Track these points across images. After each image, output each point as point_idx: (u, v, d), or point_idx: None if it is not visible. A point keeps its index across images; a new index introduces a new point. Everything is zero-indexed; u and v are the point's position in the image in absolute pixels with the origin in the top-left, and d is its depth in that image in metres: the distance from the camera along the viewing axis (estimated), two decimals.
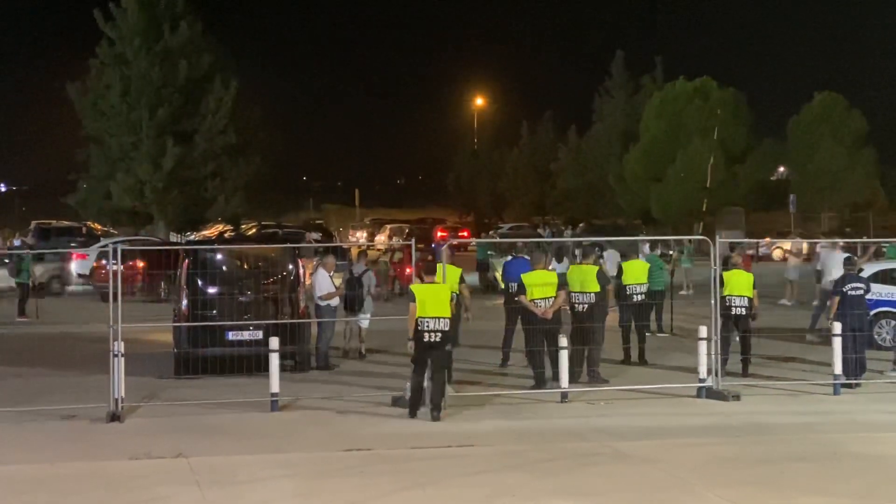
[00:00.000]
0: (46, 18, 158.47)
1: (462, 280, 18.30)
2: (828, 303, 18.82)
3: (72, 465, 12.44)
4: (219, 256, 19.59)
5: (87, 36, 46.49)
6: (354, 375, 18.55)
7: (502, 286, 20.73)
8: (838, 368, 16.64)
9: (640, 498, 11.10)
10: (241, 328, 18.13)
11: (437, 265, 16.06)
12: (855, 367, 17.16)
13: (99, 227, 53.39)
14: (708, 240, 17.25)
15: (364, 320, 20.63)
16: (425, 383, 15.05)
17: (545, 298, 16.77)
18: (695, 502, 10.96)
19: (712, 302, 16.73)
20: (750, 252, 27.83)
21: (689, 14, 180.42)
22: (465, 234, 61.03)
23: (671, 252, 26.99)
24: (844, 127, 60.82)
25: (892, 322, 20.39)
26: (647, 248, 24.86)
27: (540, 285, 16.85)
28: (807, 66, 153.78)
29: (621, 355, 19.75)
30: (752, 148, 59.88)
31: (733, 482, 11.57)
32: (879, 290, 20.43)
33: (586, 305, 17.72)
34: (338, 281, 20.19)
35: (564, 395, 16.00)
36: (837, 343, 16.71)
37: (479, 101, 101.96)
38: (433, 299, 14.97)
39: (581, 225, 61.79)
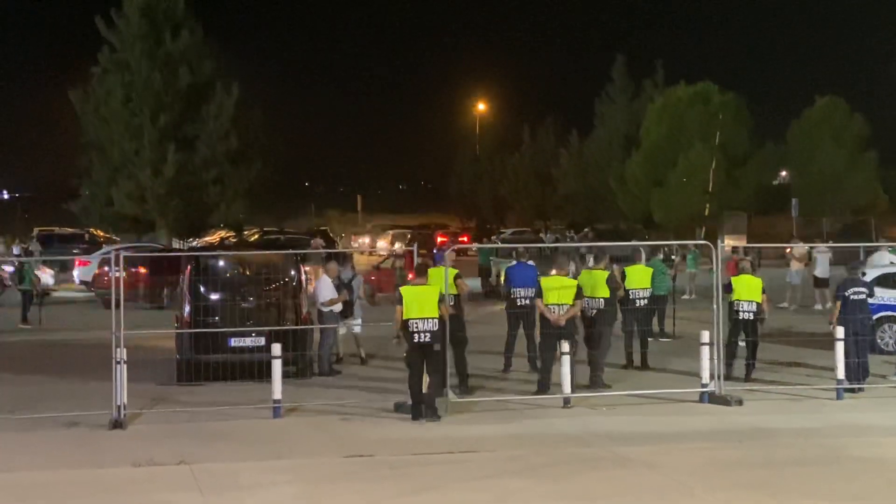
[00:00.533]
0: (48, 25, 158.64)
1: (459, 276, 18.18)
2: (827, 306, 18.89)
3: (74, 472, 12.45)
4: (221, 263, 19.58)
5: (88, 42, 46.66)
6: (356, 381, 18.57)
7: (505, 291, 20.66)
8: (841, 373, 16.64)
9: (641, 502, 11.11)
10: (243, 334, 18.12)
11: (430, 268, 16.16)
12: (858, 372, 17.16)
13: (101, 233, 53.48)
14: (710, 245, 17.23)
15: (357, 326, 20.70)
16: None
17: (560, 304, 16.78)
18: None
19: (714, 307, 16.72)
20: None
21: (690, 18, 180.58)
22: (465, 239, 60.98)
23: (674, 257, 27.00)
24: (846, 131, 60.84)
25: (895, 326, 20.37)
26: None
27: (557, 291, 16.86)
28: (808, 70, 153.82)
29: (624, 360, 19.77)
30: (754, 152, 59.86)
31: (734, 486, 11.58)
32: (882, 294, 20.44)
33: (595, 310, 17.78)
34: None
35: (567, 401, 16.00)
36: (840, 347, 16.71)
37: (481, 107, 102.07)
38: (420, 301, 15.22)
39: (586, 230, 61.75)
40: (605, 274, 18.28)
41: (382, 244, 63.48)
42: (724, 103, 58.44)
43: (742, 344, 18.67)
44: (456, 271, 17.97)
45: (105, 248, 40.97)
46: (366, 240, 72.29)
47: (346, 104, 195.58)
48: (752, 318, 18.45)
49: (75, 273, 39.15)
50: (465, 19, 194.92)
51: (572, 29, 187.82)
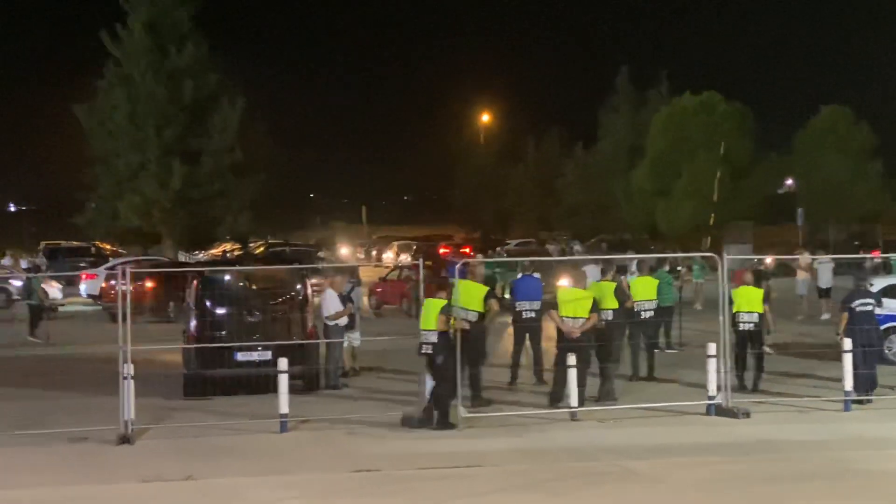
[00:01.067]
0: (53, 39, 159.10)
1: (491, 296, 18.19)
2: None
3: (82, 488, 12.47)
4: (227, 277, 19.60)
5: (93, 57, 46.68)
6: (363, 394, 18.57)
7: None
8: (849, 385, 16.59)
9: None
10: (249, 349, 18.13)
11: (451, 283, 16.44)
12: (865, 384, 17.12)
13: (107, 246, 53.56)
14: (715, 256, 17.21)
15: (356, 339, 20.73)
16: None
17: (575, 317, 16.80)
18: None
19: (721, 318, 16.69)
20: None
21: (694, 28, 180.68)
22: (468, 250, 60.86)
23: (679, 268, 26.98)
24: (851, 140, 60.82)
25: None
26: (633, 266, 24.68)
27: (572, 303, 16.89)
28: (813, 79, 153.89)
29: (630, 372, 19.76)
30: (759, 162, 59.88)
31: (741, 501, 11.56)
32: (890, 305, 20.39)
33: (604, 322, 17.81)
34: None
35: (574, 414, 15.99)
36: (847, 359, 16.67)
37: (485, 118, 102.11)
38: (424, 314, 15.94)
39: (592, 241, 61.68)
40: (613, 285, 18.34)
41: (388, 255, 63.53)
42: (728, 113, 58.45)
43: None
44: (487, 289, 17.98)
45: (111, 262, 41.04)
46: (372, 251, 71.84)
47: (350, 116, 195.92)
48: (753, 328, 18.44)
49: (82, 287, 39.22)
50: (470, 31, 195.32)
51: (576, 39, 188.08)
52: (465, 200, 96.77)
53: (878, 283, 21.37)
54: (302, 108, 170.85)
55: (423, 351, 15.80)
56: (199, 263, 28.40)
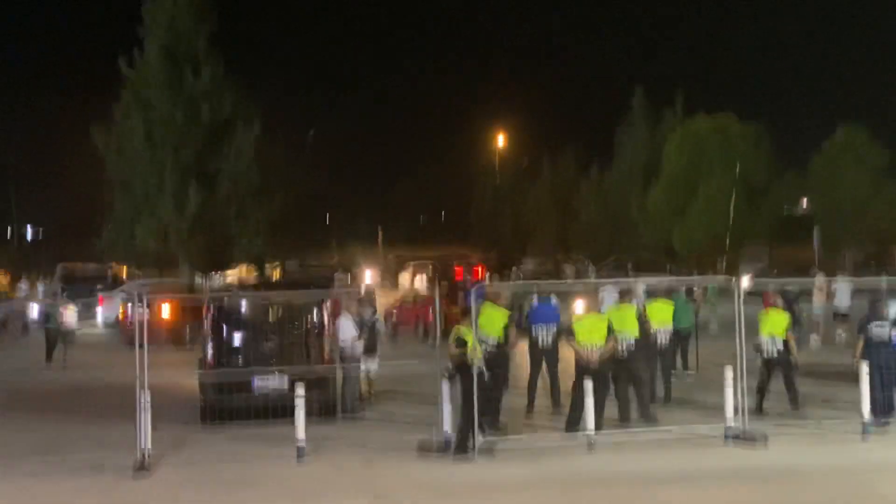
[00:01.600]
0: (70, 63, 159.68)
1: (510, 323, 18.25)
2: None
3: None
4: (243, 304, 19.62)
5: (110, 80, 46.76)
6: (380, 420, 18.56)
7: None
8: (866, 409, 16.52)
9: None
10: (266, 375, 18.13)
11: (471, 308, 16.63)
12: (883, 407, 17.04)
13: (124, 269, 53.66)
14: (731, 279, 17.16)
15: (373, 366, 20.72)
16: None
17: (592, 344, 16.81)
18: None
19: (737, 342, 16.63)
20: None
21: (710, 48, 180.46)
22: (479, 270, 60.76)
23: (695, 288, 26.89)
24: (868, 159, 60.58)
25: None
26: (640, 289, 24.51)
27: (588, 329, 16.92)
28: (829, 98, 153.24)
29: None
30: (775, 181, 59.70)
31: None
32: None
33: (625, 347, 17.85)
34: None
35: (591, 440, 15.94)
36: (865, 383, 16.60)
37: (500, 137, 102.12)
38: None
39: (606, 261, 61.49)
40: (634, 308, 18.39)
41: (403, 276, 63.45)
42: (744, 133, 58.34)
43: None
44: (507, 315, 18.04)
45: (127, 284, 41.12)
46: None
47: (366, 136, 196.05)
48: (776, 355, 18.42)
49: (99, 311, 39.30)
50: (486, 52, 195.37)
51: (592, 59, 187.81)
52: (481, 220, 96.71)
53: (894, 306, 21.21)
54: (318, 128, 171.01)
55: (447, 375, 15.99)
56: (213, 290, 28.31)
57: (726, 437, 16.17)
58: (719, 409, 16.60)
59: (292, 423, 15.52)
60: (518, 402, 19.29)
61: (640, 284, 22.00)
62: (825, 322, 30.58)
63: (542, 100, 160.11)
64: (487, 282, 36.04)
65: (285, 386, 17.61)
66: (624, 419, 17.62)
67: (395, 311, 35.51)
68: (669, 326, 20.25)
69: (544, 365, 19.42)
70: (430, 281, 51.56)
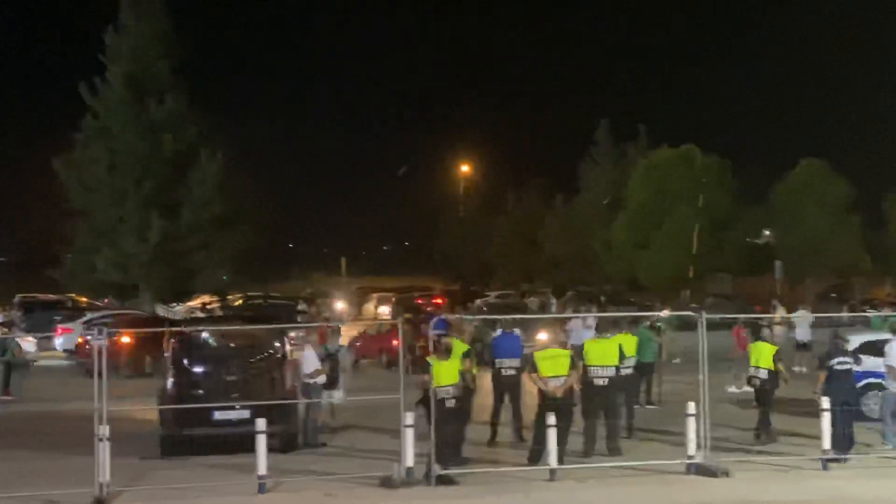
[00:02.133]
0: (32, 92, 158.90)
1: (468, 355, 18.27)
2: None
3: None
4: (204, 335, 19.49)
5: (72, 109, 46.52)
6: (342, 454, 18.43)
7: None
8: (827, 443, 16.58)
9: None
10: (227, 408, 17.97)
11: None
12: (843, 442, 17.10)
13: (83, 299, 53.17)
14: (695, 314, 17.17)
15: (337, 396, 20.61)
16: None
17: (556, 376, 16.82)
18: None
19: (700, 377, 16.64)
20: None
21: (673, 82, 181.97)
22: (439, 301, 60.80)
23: (659, 324, 26.92)
24: (829, 193, 61.10)
25: (880, 393, 20.25)
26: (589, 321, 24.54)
27: (551, 361, 16.93)
28: (791, 132, 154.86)
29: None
30: (738, 214, 60.16)
31: None
32: (867, 362, 20.33)
33: (607, 379, 17.85)
34: None
35: (553, 473, 15.89)
36: (826, 418, 16.66)
37: (465, 169, 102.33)
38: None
39: (569, 293, 61.51)
40: (614, 341, 18.53)
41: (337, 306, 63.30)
42: (707, 165, 58.76)
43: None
44: (467, 348, 18.06)
45: (87, 315, 40.73)
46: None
47: (331, 166, 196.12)
48: (759, 385, 18.81)
49: (57, 341, 38.89)
50: (450, 82, 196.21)
51: (557, 92, 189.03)
52: (446, 251, 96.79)
53: (855, 340, 21.35)
54: (282, 159, 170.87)
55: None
56: (173, 323, 28.04)
57: (688, 470, 16.17)
58: (682, 443, 16.61)
59: (254, 454, 15.37)
60: (481, 433, 19.21)
61: (591, 319, 22.09)
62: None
63: (507, 133, 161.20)
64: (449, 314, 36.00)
65: (246, 417, 17.42)
66: (588, 453, 17.61)
67: (357, 342, 35.34)
68: (633, 358, 20.21)
69: (507, 397, 19.36)
70: (394, 313, 51.53)
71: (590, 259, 66.55)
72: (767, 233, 74.45)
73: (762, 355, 18.96)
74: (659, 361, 24.19)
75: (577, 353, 18.28)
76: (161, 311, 47.05)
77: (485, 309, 50.18)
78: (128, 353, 31.49)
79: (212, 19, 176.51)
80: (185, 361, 18.57)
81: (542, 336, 19.25)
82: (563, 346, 18.10)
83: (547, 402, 16.72)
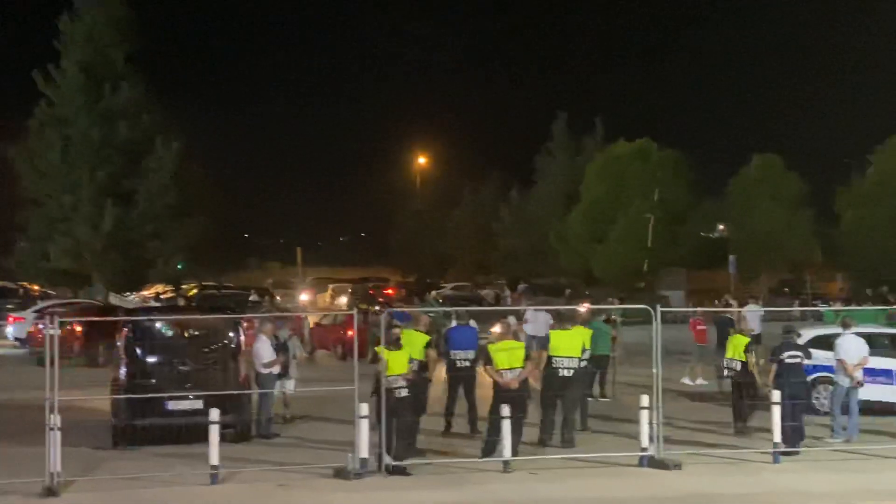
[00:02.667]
0: None
1: (430, 345, 18.33)
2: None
3: None
4: (157, 325, 19.37)
5: (26, 96, 46.02)
6: (296, 444, 18.39)
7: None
8: (777, 437, 16.74)
9: None
10: (180, 397, 17.88)
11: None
12: (794, 436, 17.28)
13: (36, 287, 52.68)
14: (650, 309, 17.25)
15: (290, 386, 20.56)
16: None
17: (511, 368, 16.87)
18: None
19: (654, 371, 16.72)
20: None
21: (630, 77, 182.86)
22: (391, 292, 60.96)
23: (614, 317, 27.04)
24: (782, 188, 61.59)
25: (830, 387, 20.48)
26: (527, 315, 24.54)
27: (506, 353, 16.97)
28: (746, 127, 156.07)
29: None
30: (693, 208, 60.49)
31: None
32: (817, 356, 20.57)
33: (572, 371, 17.92)
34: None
35: (507, 465, 15.94)
36: (776, 411, 16.81)
37: (422, 160, 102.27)
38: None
39: (521, 286, 61.62)
40: (584, 331, 18.67)
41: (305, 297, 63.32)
42: (663, 160, 59.01)
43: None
44: (428, 338, 18.07)
45: (39, 304, 40.41)
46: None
47: (287, 157, 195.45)
48: (734, 375, 18.99)
49: (9, 329, 38.54)
50: (408, 74, 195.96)
51: (514, 85, 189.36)
52: (403, 243, 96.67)
53: (806, 334, 21.59)
54: (239, 148, 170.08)
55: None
56: (130, 311, 27.84)
57: (641, 463, 16.28)
58: (635, 435, 16.72)
59: (207, 445, 15.32)
60: (435, 424, 19.23)
61: (543, 313, 22.17)
62: None
63: (464, 125, 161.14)
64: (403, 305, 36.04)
65: (200, 407, 17.34)
66: (543, 443, 17.74)
67: (313, 332, 35.27)
68: (587, 351, 20.23)
69: (462, 389, 19.39)
70: (350, 303, 51.45)
71: (545, 252, 66.64)
72: (721, 227, 75.03)
73: (737, 348, 19.05)
74: (613, 355, 24.26)
75: (541, 344, 18.36)
76: (114, 300, 46.66)
77: (440, 301, 50.25)
78: (80, 343, 31.22)
79: (168, 7, 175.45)
80: (138, 351, 18.43)
81: (498, 328, 19.24)
82: (517, 337, 18.14)
83: (501, 394, 16.77)
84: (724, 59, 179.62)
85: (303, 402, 21.33)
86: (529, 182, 74.78)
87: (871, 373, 19.95)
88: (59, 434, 14.70)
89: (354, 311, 18.62)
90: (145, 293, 58.32)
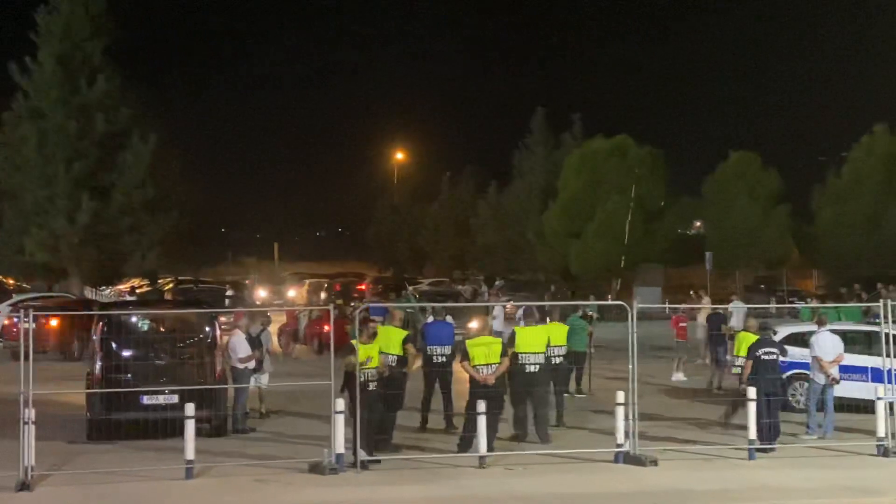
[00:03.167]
0: None
1: (409, 340, 18.32)
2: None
3: None
4: (133, 319, 19.30)
5: (2, 89, 45.79)
6: (271, 439, 18.36)
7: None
8: (753, 433, 16.79)
9: None
10: (156, 392, 17.82)
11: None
12: (769, 432, 17.35)
13: (11, 281, 52.44)
14: (625, 305, 17.27)
15: (263, 379, 20.53)
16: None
17: (488, 364, 16.89)
18: None
19: (630, 367, 16.74)
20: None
21: (608, 73, 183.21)
22: (363, 287, 60.95)
23: (590, 313, 27.10)
24: (759, 185, 61.84)
25: (806, 384, 20.58)
26: (520, 313, 24.52)
27: (483, 349, 16.98)
28: (723, 124, 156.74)
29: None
30: (670, 205, 60.62)
31: None
32: (793, 353, 20.65)
33: (538, 366, 17.93)
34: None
35: (482, 460, 15.95)
36: (752, 408, 16.87)
37: (400, 155, 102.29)
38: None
39: (497, 282, 61.67)
40: (544, 330, 18.64)
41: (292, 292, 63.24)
42: (641, 156, 59.07)
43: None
44: (406, 333, 18.04)
45: (14, 298, 40.18)
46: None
47: (264, 151, 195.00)
48: (740, 373, 18.77)
49: None
50: (384, 68, 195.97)
51: (492, 80, 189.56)
52: (379, 238, 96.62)
53: (782, 331, 21.69)
54: (215, 143, 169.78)
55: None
56: (106, 305, 27.78)
57: (616, 459, 16.31)
58: (611, 431, 16.75)
59: (182, 439, 15.27)
60: (411, 420, 19.23)
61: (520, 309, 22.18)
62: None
63: (442, 121, 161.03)
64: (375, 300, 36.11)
65: (175, 402, 17.28)
66: (519, 439, 17.76)
67: (288, 328, 35.21)
68: (563, 347, 20.26)
69: (438, 384, 19.38)
70: (326, 298, 51.27)
71: (522, 248, 66.69)
72: (698, 224, 75.30)
73: (742, 345, 19.01)
74: (589, 351, 24.29)
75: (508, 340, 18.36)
76: (90, 294, 46.53)
77: (416, 297, 50.19)
78: (55, 337, 31.08)
79: (146, 0, 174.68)
80: (114, 345, 18.35)
81: (475, 324, 19.26)
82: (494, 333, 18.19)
83: (478, 389, 16.78)
84: (703, 58, 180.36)
85: (279, 397, 21.30)
86: (507, 177, 74.78)
87: (847, 370, 20.01)
88: (33, 428, 14.64)
89: (331, 307, 18.51)
90: (121, 287, 58.09)
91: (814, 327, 19.99)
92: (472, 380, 17.03)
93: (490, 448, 16.15)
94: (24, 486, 14.32)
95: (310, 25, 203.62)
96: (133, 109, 45.51)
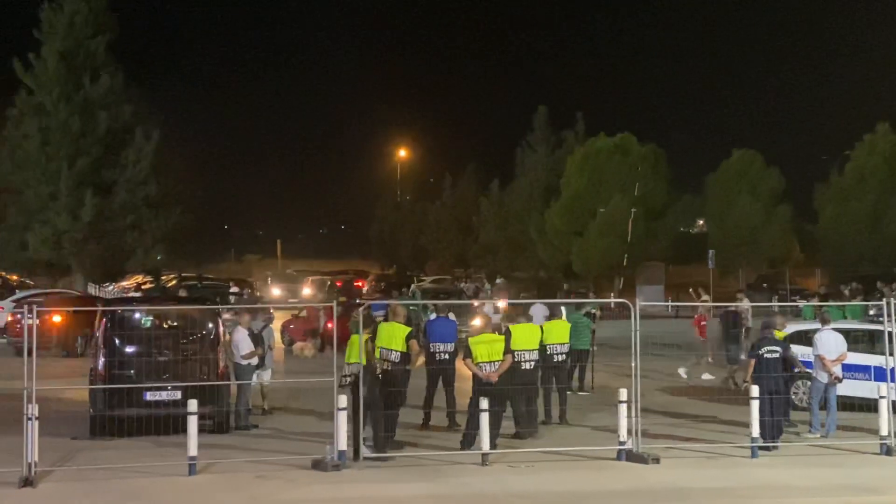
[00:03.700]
0: None
1: (412, 336, 18.30)
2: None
3: None
4: (136, 315, 19.30)
5: (5, 86, 45.85)
6: (274, 436, 18.36)
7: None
8: (756, 431, 16.79)
9: None
10: (158, 388, 17.84)
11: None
12: (772, 430, 17.33)
13: (14, 277, 52.49)
14: (628, 303, 17.27)
15: (266, 376, 20.53)
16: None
17: (491, 361, 16.90)
18: None
19: (633, 364, 16.74)
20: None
21: (612, 71, 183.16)
22: (360, 284, 61.11)
23: (594, 311, 27.09)
24: (761, 183, 61.86)
25: (808, 382, 20.55)
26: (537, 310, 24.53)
27: (486, 347, 16.99)
28: (725, 123, 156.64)
29: (542, 415, 19.74)
30: (672, 203, 60.66)
31: None
32: (796, 351, 20.62)
33: (532, 363, 17.95)
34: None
35: (485, 457, 15.96)
36: (755, 406, 16.87)
37: (402, 153, 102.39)
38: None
39: (498, 281, 61.66)
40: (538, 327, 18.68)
41: (307, 290, 63.21)
42: (643, 155, 59.12)
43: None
44: (409, 329, 18.02)
45: (18, 294, 40.22)
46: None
47: (268, 148, 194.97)
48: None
49: None
50: (388, 66, 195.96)
51: (495, 78, 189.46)
52: (382, 235, 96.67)
53: (785, 330, 21.63)
54: (218, 140, 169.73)
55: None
56: (110, 301, 27.77)
57: (619, 456, 16.31)
58: (613, 429, 16.75)
59: (185, 436, 15.28)
60: (414, 417, 19.23)
61: (539, 306, 22.15)
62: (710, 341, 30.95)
63: (446, 117, 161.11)
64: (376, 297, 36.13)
65: (178, 399, 17.31)
66: (522, 437, 17.78)
67: (291, 325, 35.21)
68: (566, 344, 20.27)
69: (441, 381, 19.39)
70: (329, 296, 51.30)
71: (524, 246, 66.68)
72: (701, 222, 75.29)
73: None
74: (592, 349, 24.28)
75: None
76: (93, 290, 46.58)
77: (417, 294, 50.18)
78: (59, 333, 31.09)
79: None
80: (117, 341, 18.37)
81: (478, 321, 19.26)
82: (498, 330, 18.15)
83: (481, 386, 16.79)
84: (706, 56, 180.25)
85: (281, 394, 21.31)
86: (509, 175, 74.80)
87: (850, 368, 20.00)
88: (36, 424, 14.65)
89: (334, 304, 18.52)
90: (125, 283, 58.17)
91: (817, 325, 19.98)
92: (475, 377, 17.03)
93: (493, 445, 16.16)
94: (27, 482, 14.33)
95: (313, 23, 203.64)
96: (136, 106, 45.62)
